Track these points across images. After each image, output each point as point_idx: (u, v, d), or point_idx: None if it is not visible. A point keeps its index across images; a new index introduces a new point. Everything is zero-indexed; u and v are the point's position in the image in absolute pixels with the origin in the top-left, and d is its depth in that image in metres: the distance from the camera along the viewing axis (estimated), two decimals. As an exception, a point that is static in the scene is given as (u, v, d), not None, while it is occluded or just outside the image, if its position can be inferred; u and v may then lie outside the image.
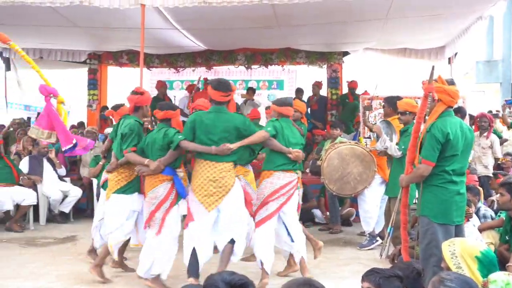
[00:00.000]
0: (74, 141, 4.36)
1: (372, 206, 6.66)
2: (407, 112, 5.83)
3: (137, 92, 5.14)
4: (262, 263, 4.94)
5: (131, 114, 5.13)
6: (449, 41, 9.50)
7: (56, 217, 8.25)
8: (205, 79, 10.32)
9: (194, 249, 4.65)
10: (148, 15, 6.72)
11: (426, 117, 4.08)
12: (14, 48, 4.20)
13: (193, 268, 4.63)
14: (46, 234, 7.40)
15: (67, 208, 8.29)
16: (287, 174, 5.05)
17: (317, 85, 10.65)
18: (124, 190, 5.03)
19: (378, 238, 6.65)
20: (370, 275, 2.85)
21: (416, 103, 5.89)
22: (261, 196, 5.07)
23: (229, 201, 4.71)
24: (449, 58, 10.08)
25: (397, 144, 5.95)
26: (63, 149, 4.57)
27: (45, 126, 5.14)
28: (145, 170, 4.78)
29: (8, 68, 11.87)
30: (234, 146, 4.69)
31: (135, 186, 5.07)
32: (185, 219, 4.83)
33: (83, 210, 8.91)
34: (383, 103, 6.98)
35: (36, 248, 6.55)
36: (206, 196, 4.67)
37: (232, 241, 4.72)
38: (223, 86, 4.82)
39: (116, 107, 5.67)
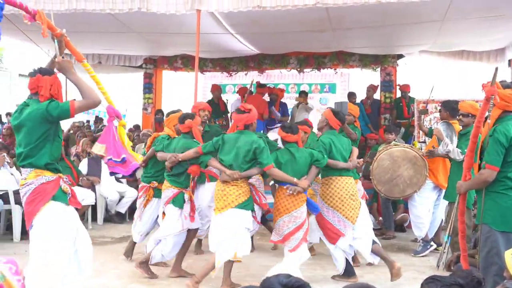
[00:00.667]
0: (122, 156, 4.40)
1: (424, 212, 6.52)
2: (470, 115, 5.62)
3: (244, 111, 5.01)
4: None
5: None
6: (510, 43, 9.17)
7: (113, 217, 8.50)
8: (258, 83, 10.39)
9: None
10: (203, 20, 6.84)
11: (488, 121, 3.95)
12: (85, 68, 4.32)
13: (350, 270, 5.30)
14: (103, 233, 7.63)
15: (123, 208, 8.53)
16: None
17: (372, 89, 10.51)
18: (244, 205, 4.85)
19: (432, 243, 6.51)
20: (430, 282, 2.77)
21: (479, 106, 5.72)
22: None
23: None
24: (509, 61, 9.72)
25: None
26: (107, 157, 4.57)
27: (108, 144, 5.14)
28: (298, 189, 4.84)
29: None
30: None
31: (252, 203, 5.01)
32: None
33: (139, 211, 9.13)
34: (439, 107, 6.82)
35: (95, 247, 6.63)
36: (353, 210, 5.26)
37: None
38: None
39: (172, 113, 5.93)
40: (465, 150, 5.42)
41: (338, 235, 5.16)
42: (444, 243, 5.59)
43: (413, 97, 9.77)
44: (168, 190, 5.32)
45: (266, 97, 10.32)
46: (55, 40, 3.93)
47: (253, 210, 5.04)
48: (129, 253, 6.07)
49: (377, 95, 10.77)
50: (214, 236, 4.85)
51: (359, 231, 5.26)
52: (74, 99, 3.69)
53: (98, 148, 4.76)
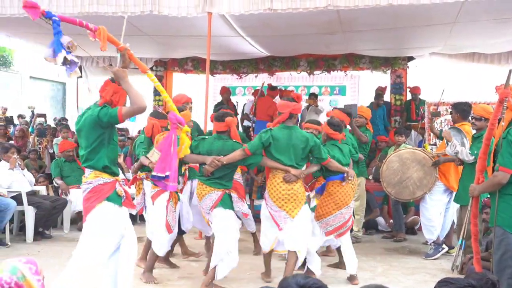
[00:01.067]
0: (167, 173, 4.38)
1: (435, 214, 6.48)
2: (483, 118, 5.59)
3: (293, 99, 5.12)
4: None
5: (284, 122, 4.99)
6: (521, 45, 9.14)
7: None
8: (269, 85, 10.42)
9: None
10: (214, 23, 6.86)
11: (502, 123, 3.93)
12: (150, 78, 4.36)
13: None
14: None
15: (135, 210, 8.54)
16: None
17: (381, 91, 10.48)
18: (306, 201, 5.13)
19: (444, 246, 6.48)
20: (443, 285, 2.77)
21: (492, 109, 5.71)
22: None
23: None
24: (522, 63, 9.69)
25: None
26: (153, 173, 4.57)
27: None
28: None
29: (80, 75, 12.43)
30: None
31: None
32: None
33: (149, 213, 9.17)
34: (450, 109, 6.81)
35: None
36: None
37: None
38: None
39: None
40: (475, 152, 5.49)
41: None
42: (458, 246, 5.57)
43: (424, 99, 9.75)
44: (213, 194, 4.95)
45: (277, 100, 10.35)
46: (119, 54, 4.17)
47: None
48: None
49: (387, 98, 10.74)
50: (295, 236, 4.90)
51: None
52: (124, 105, 3.89)
53: (156, 156, 4.68)
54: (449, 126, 6.60)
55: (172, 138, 4.21)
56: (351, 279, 5.31)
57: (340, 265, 5.69)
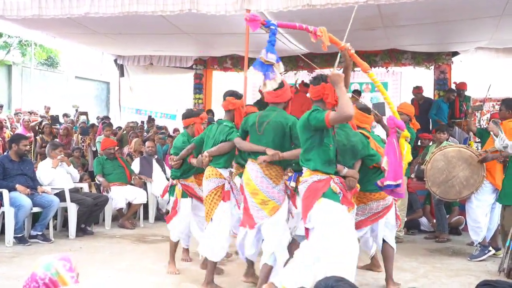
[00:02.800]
0: (398, 181, 4.03)
1: (481, 215, 6.25)
2: None
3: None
4: None
5: None
6: None
7: (163, 216, 8.61)
8: (302, 82, 10.32)
9: None
10: (252, 20, 6.82)
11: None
12: (371, 78, 4.30)
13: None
14: (155, 231, 7.75)
15: (174, 207, 8.63)
16: None
17: (418, 92, 10.19)
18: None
19: (490, 248, 6.24)
20: (484, 286, 2.64)
21: None
22: None
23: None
24: None
25: None
26: (384, 183, 4.05)
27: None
28: None
29: (121, 74, 12.68)
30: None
31: None
32: None
33: (189, 210, 9.25)
34: (497, 106, 6.55)
35: (146, 245, 6.88)
36: None
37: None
38: None
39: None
40: None
41: None
42: (506, 248, 5.35)
43: (469, 95, 9.44)
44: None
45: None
46: (339, 53, 4.20)
47: None
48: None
49: (430, 94, 10.45)
50: None
51: None
52: (332, 110, 3.88)
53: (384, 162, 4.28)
54: (491, 120, 6.31)
55: (395, 144, 4.04)
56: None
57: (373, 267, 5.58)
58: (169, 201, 8.42)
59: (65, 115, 13.72)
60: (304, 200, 3.89)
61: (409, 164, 7.60)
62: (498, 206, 6.23)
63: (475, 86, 9.88)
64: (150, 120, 13.26)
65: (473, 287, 4.18)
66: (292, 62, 10.88)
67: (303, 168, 4.00)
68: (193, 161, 5.17)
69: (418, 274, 5.58)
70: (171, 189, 5.69)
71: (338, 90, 3.83)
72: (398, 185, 3.97)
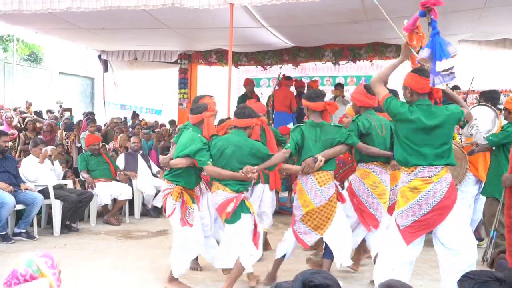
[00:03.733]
0: None
1: (464, 207, 6.31)
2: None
3: None
4: None
5: None
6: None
7: (149, 212, 8.59)
8: (283, 76, 10.31)
9: None
10: (236, 14, 6.80)
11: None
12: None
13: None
14: (140, 227, 7.72)
15: (159, 203, 8.56)
16: None
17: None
18: None
19: (473, 239, 6.30)
20: (464, 281, 2.65)
21: None
22: None
23: None
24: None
25: None
26: None
27: None
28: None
29: (106, 69, 12.58)
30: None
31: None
32: None
33: (175, 205, 9.22)
34: (479, 98, 6.61)
35: (132, 241, 6.85)
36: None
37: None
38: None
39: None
40: (490, 138, 5.44)
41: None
42: (490, 238, 5.41)
43: (452, 88, 9.48)
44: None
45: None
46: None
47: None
48: None
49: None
50: None
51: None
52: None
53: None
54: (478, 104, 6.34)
55: None
56: None
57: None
58: (154, 197, 8.47)
59: (49, 111, 13.58)
60: (448, 198, 3.75)
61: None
62: (482, 198, 6.30)
63: (459, 79, 9.91)
64: (135, 115, 13.18)
65: (457, 277, 4.23)
66: (277, 56, 10.88)
67: (431, 167, 3.75)
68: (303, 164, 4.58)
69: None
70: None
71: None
72: None
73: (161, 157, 4.77)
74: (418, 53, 3.95)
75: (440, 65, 3.54)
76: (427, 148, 3.75)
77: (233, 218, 4.43)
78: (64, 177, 7.98)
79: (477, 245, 6.15)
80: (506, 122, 5.70)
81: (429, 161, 3.73)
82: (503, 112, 5.72)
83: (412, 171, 3.78)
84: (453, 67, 3.57)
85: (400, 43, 9.89)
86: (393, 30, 8.93)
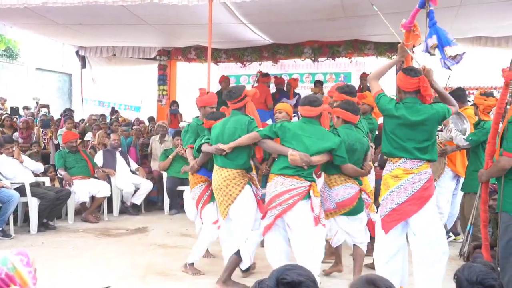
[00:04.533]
0: None
1: (442, 202, 6.36)
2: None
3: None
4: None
5: None
6: (529, 28, 8.97)
7: (128, 209, 8.53)
8: (261, 73, 10.31)
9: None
10: (215, 11, 6.78)
11: (508, 107, 3.84)
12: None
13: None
14: (119, 225, 7.66)
15: (138, 200, 8.55)
16: (287, 179, 4.28)
17: (364, 77, 10.36)
18: None
19: (450, 234, 6.40)
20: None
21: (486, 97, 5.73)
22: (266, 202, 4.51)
23: (235, 211, 4.58)
24: (530, 46, 9.52)
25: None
26: None
27: None
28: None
29: (83, 66, 12.42)
30: (224, 146, 4.52)
31: None
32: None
33: (154, 203, 9.19)
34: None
35: (110, 239, 6.79)
36: (219, 204, 4.71)
37: (237, 253, 4.60)
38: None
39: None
40: (470, 138, 5.55)
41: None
42: (466, 233, 5.50)
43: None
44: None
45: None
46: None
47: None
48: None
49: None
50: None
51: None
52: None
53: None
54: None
55: None
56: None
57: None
58: (133, 194, 8.41)
59: (26, 107, 13.37)
60: (425, 190, 3.95)
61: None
62: (460, 193, 6.39)
63: (436, 76, 10.05)
64: (113, 112, 13.06)
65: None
66: (256, 52, 10.88)
67: (414, 160, 3.95)
68: None
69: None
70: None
71: (435, 85, 4.13)
72: None
73: (303, 154, 4.19)
74: (413, 53, 4.32)
75: (450, 51, 3.92)
76: (411, 142, 3.97)
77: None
78: (45, 173, 7.89)
79: (454, 239, 6.31)
80: (476, 117, 5.82)
81: (412, 155, 3.96)
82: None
83: (396, 161, 4.02)
84: (464, 52, 3.97)
85: (378, 40, 10.08)
86: (371, 27, 9.08)
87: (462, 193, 6.27)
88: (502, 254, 3.70)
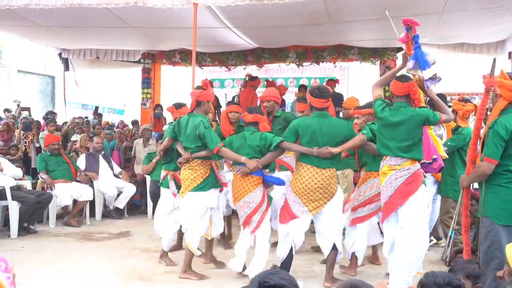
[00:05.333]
0: (434, 157, 4.68)
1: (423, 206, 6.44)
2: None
3: (200, 87, 5.19)
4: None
5: (193, 111, 5.16)
6: (510, 35, 9.09)
7: (111, 213, 8.45)
8: (249, 76, 10.26)
9: (291, 247, 4.90)
10: (200, 14, 6.76)
11: (488, 113, 3.89)
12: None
13: (288, 262, 4.90)
14: (101, 229, 7.58)
15: (121, 204, 8.48)
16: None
17: (329, 85, 10.43)
18: (201, 187, 5.04)
19: (432, 238, 6.45)
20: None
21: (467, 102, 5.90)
22: (365, 194, 5.18)
23: (331, 206, 4.87)
24: (510, 53, 9.64)
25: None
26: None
27: None
28: (244, 170, 4.90)
29: (66, 68, 12.30)
30: (336, 150, 4.73)
31: (211, 182, 5.11)
32: (283, 215, 4.96)
33: (137, 207, 9.12)
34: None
35: (93, 243, 6.72)
36: (312, 201, 4.83)
37: (334, 248, 4.89)
38: (323, 94, 4.85)
39: (178, 106, 5.81)
40: (449, 143, 5.68)
41: (291, 216, 4.92)
42: (448, 238, 5.54)
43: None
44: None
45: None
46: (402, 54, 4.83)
47: (215, 188, 5.17)
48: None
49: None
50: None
51: (323, 227, 4.95)
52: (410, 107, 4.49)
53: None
54: None
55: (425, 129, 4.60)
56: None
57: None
58: (116, 198, 8.34)
59: (6, 110, 13.20)
60: (407, 184, 4.33)
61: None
62: (439, 197, 6.45)
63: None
64: (96, 111, 12.96)
65: (416, 275, 4.34)
66: (241, 56, 10.88)
67: (396, 157, 4.37)
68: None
69: (366, 266, 5.69)
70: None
71: (430, 93, 4.52)
72: (434, 160, 4.69)
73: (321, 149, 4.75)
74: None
75: (426, 73, 4.35)
76: (392, 141, 4.41)
77: None
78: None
79: (436, 243, 6.36)
80: (455, 123, 5.90)
81: (394, 153, 4.39)
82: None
83: (384, 159, 4.48)
84: (436, 73, 4.39)
85: (362, 45, 10.14)
86: (355, 32, 9.14)
87: (440, 197, 6.34)
88: (484, 259, 3.74)
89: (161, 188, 5.89)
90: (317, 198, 4.81)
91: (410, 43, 4.59)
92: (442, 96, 6.28)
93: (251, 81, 9.78)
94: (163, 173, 5.85)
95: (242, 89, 10.21)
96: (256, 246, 5.01)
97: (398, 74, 4.66)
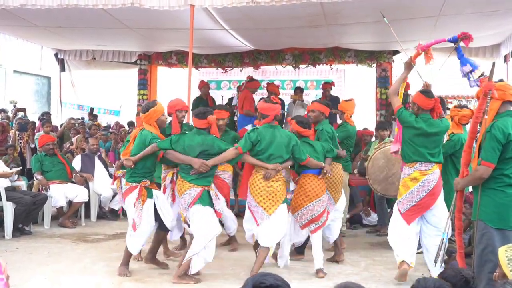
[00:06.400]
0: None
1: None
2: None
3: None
4: None
5: None
6: (505, 39, 9.13)
7: (106, 214, 8.44)
8: (249, 78, 10.24)
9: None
10: (197, 16, 6.76)
11: (485, 117, 3.89)
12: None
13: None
14: (97, 230, 7.57)
15: (117, 205, 8.45)
16: None
17: (325, 87, 10.49)
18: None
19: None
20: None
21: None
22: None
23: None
24: (505, 56, 9.68)
25: None
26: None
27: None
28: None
29: (62, 69, 12.27)
30: (209, 163, 4.93)
31: None
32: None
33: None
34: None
35: (87, 244, 6.71)
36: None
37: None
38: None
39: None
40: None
41: None
42: (441, 240, 5.54)
43: (408, 94, 9.70)
44: (192, 190, 4.96)
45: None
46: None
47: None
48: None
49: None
50: (270, 232, 5.11)
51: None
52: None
53: (395, 148, 5.42)
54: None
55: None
56: (317, 272, 5.35)
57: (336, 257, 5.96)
58: (112, 199, 8.32)
59: (2, 110, 13.16)
60: (437, 187, 5.01)
61: (352, 159, 7.78)
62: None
63: (415, 84, 10.17)
64: (92, 113, 12.92)
65: (410, 278, 4.34)
66: (237, 58, 10.87)
67: (427, 163, 4.99)
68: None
69: (360, 267, 5.72)
70: None
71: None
72: None
73: None
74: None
75: (475, 74, 4.91)
76: (424, 148, 4.99)
77: None
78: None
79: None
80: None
81: (425, 159, 4.98)
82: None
83: (413, 165, 5.03)
84: (483, 71, 4.87)
85: (359, 48, 10.15)
86: (352, 35, 9.16)
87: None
88: (478, 262, 3.76)
89: (199, 208, 5.09)
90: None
91: (427, 52, 5.34)
92: (441, 101, 6.30)
93: (249, 83, 9.75)
94: (196, 189, 5.06)
95: (240, 91, 10.21)
96: (315, 243, 5.39)
97: (422, 89, 5.37)
